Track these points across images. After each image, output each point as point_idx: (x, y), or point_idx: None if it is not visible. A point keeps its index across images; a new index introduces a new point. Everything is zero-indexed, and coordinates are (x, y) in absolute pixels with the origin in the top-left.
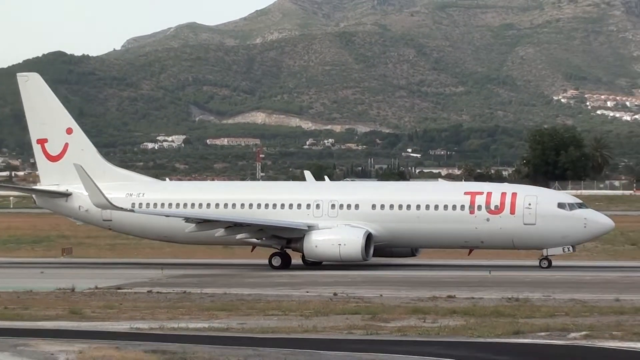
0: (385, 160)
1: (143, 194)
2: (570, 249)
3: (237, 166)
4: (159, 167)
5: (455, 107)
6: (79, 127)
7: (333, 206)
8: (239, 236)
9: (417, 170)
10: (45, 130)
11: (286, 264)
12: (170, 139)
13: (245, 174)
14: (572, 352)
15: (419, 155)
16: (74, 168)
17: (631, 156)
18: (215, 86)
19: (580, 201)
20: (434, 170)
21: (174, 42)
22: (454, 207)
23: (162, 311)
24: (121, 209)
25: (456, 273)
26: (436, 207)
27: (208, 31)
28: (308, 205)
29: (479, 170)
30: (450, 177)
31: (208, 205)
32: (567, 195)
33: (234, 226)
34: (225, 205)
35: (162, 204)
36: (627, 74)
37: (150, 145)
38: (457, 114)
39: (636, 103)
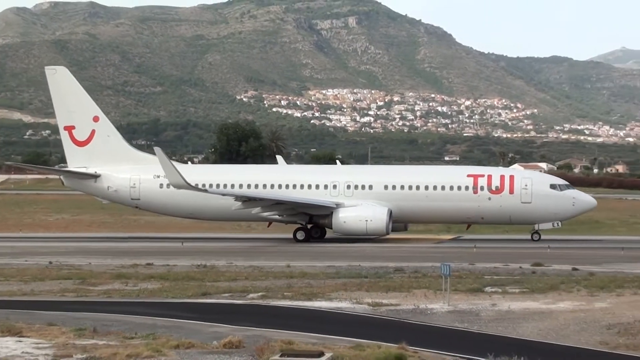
0: None
1: None
2: (559, 224)
3: None
4: None
5: (154, 105)
6: (105, 116)
7: (349, 187)
8: (266, 213)
9: None
10: (73, 117)
11: (308, 238)
12: None
13: None
14: (250, 310)
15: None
16: (100, 152)
17: (301, 146)
18: None
19: (567, 183)
20: None
21: None
22: (459, 187)
23: None
24: (197, 189)
25: (154, 244)
26: (443, 187)
27: None
28: (325, 186)
29: (174, 157)
30: None
31: (232, 185)
32: (556, 178)
33: (274, 204)
34: (249, 186)
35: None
36: (297, 78)
37: None
38: (156, 110)
39: (305, 102)
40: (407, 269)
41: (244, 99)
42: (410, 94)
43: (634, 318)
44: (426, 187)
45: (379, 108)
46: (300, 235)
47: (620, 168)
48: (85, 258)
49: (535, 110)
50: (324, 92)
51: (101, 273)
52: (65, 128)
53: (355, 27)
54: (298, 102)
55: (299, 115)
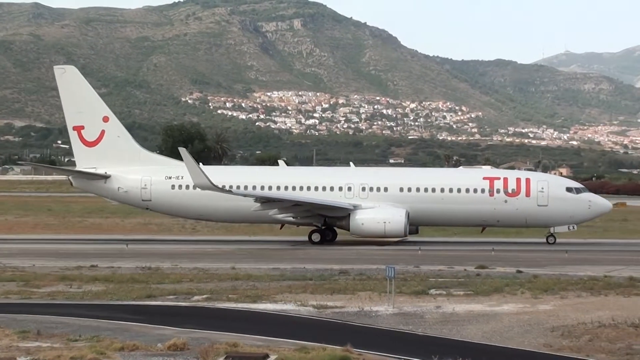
0: (39, 150)
1: (182, 177)
2: (574, 227)
3: None
4: None
5: None
6: (115, 116)
7: (364, 189)
8: (281, 215)
9: (66, 159)
10: (82, 118)
11: (323, 240)
12: None
13: None
14: (195, 312)
15: (67, 146)
16: (110, 153)
17: (246, 148)
18: None
19: (583, 186)
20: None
21: None
22: (475, 190)
23: None
24: (222, 190)
25: (98, 246)
26: (459, 190)
27: None
28: (340, 188)
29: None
30: None
31: (246, 187)
32: (572, 181)
33: (292, 206)
34: (262, 187)
35: None
36: (242, 80)
37: None
38: None
39: (250, 104)
40: (352, 271)
41: (189, 101)
42: (356, 96)
43: (578, 320)
44: (442, 190)
45: (324, 110)
46: (316, 237)
47: (564, 171)
48: (29, 260)
49: (480, 113)
50: (269, 94)
51: (45, 275)
52: (75, 128)
53: (301, 30)
54: (243, 104)
55: (244, 117)
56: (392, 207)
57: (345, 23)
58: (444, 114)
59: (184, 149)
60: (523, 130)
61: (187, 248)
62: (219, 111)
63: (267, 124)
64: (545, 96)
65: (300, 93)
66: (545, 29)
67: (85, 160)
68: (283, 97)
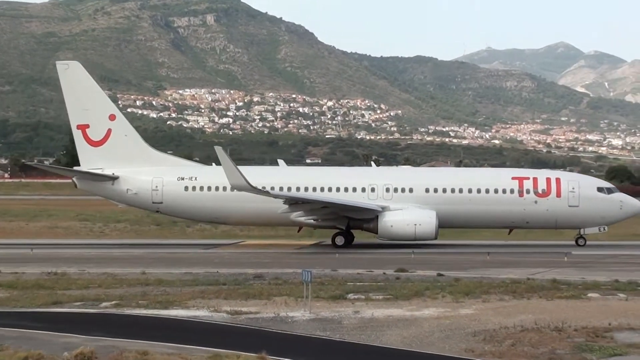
0: None
1: (195, 178)
2: (605, 228)
3: None
4: None
5: (2, 105)
6: (122, 114)
7: (388, 190)
8: (303, 217)
9: None
10: (87, 116)
11: (347, 243)
12: None
13: None
14: (104, 319)
15: None
16: (117, 153)
17: (157, 148)
18: None
19: (613, 186)
20: None
21: None
22: (504, 190)
23: None
24: (259, 191)
25: (1, 251)
26: (487, 190)
27: None
28: (363, 189)
29: (23, 160)
30: None
31: (264, 187)
32: (603, 181)
33: (319, 208)
34: (281, 188)
35: (217, 187)
36: (153, 77)
37: None
38: (4, 110)
39: (161, 102)
40: (267, 275)
41: None
42: (271, 94)
43: (500, 324)
44: (469, 191)
45: (238, 109)
46: (340, 240)
47: None
48: None
49: (399, 112)
50: (180, 92)
51: None
52: (79, 127)
53: (214, 25)
54: (154, 103)
55: (155, 116)
56: (421, 209)
57: (260, 18)
58: (363, 112)
59: (220, 147)
60: (444, 129)
61: (95, 252)
62: (129, 109)
63: (179, 122)
64: (466, 94)
65: (213, 91)
66: (466, 25)
67: (90, 160)
68: (195, 95)
